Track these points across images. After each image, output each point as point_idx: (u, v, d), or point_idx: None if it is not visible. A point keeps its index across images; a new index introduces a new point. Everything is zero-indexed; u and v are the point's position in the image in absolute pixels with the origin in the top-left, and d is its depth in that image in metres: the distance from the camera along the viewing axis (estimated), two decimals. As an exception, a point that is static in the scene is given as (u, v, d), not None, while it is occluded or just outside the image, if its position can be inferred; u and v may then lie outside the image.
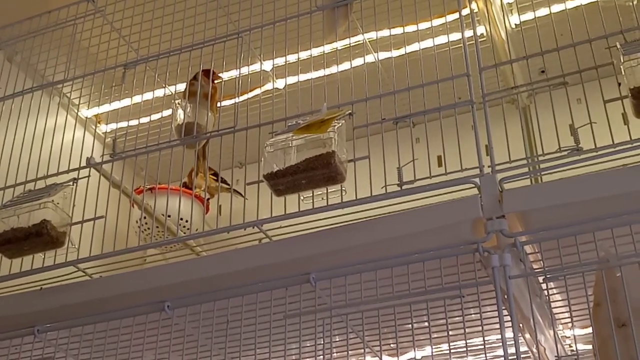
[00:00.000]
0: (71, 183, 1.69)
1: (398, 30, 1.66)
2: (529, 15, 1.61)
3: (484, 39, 1.99)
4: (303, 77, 1.68)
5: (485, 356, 1.34)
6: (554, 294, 1.46)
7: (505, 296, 1.26)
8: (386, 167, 1.44)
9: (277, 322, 1.39)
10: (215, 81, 1.87)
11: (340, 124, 1.46)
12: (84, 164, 1.70)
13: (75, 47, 1.91)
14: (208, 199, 2.36)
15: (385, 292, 1.33)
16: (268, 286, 1.43)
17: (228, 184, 2.03)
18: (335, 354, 1.48)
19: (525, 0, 1.69)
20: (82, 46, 1.94)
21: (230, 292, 1.45)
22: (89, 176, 1.69)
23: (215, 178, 2.24)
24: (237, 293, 1.45)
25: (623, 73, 1.36)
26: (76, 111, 2.21)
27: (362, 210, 1.44)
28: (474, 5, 1.68)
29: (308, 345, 1.43)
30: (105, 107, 2.21)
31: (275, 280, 1.43)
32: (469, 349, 1.30)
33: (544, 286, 1.36)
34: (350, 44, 1.68)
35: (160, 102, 1.93)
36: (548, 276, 1.29)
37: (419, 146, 1.45)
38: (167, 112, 1.92)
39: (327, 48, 1.69)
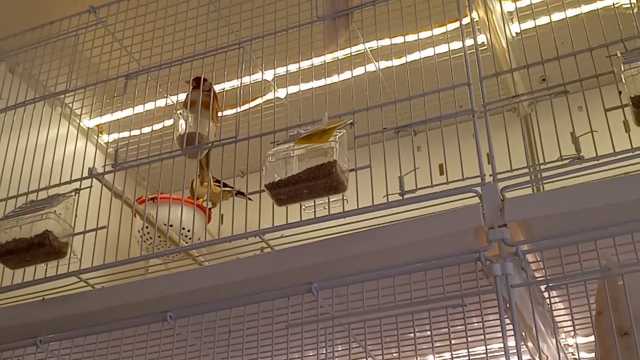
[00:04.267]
0: (73, 193, 1.70)
1: (399, 40, 1.66)
2: (529, 24, 1.61)
3: (485, 47, 1.99)
4: (304, 86, 1.69)
5: (488, 365, 1.34)
6: (556, 302, 1.45)
7: (508, 305, 1.26)
8: (387, 176, 1.44)
9: (280, 332, 1.38)
10: (205, 89, 1.88)
11: (341, 134, 1.46)
12: (86, 174, 1.71)
13: (77, 57, 1.92)
14: (210, 209, 2.36)
15: (388, 302, 1.33)
16: (270, 296, 1.43)
17: (230, 187, 2.03)
18: (337, 364, 1.48)
19: (525, 8, 1.69)
20: (84, 57, 1.94)
21: (232, 302, 1.45)
22: (91, 186, 1.70)
23: (218, 185, 2.25)
24: (239, 303, 1.45)
25: (624, 81, 1.36)
26: (78, 122, 2.22)
27: (363, 220, 1.44)
28: (474, 14, 1.69)
29: (310, 354, 1.43)
30: (107, 118, 2.22)
31: (277, 289, 1.43)
32: (471, 357, 1.29)
33: (546, 295, 1.36)
34: (351, 53, 1.69)
35: (162, 112, 1.94)
36: (550, 285, 1.28)
37: (420, 155, 1.45)
38: (168, 122, 1.93)
39: (328, 57, 1.70)
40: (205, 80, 1.88)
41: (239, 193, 1.69)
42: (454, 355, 1.31)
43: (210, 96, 1.87)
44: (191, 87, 1.87)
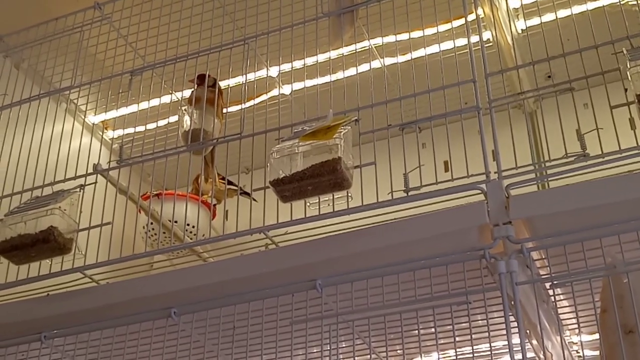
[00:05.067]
0: (78, 189, 1.70)
1: (404, 36, 1.66)
2: (535, 21, 1.61)
3: (490, 44, 1.98)
4: (309, 83, 1.68)
5: (492, 362, 1.34)
6: (561, 300, 1.45)
7: (512, 302, 1.26)
8: (392, 173, 1.44)
9: (284, 329, 1.38)
10: (210, 85, 1.87)
11: (346, 130, 1.46)
12: (90, 170, 1.71)
13: (82, 54, 1.92)
14: (215, 205, 2.36)
15: (392, 299, 1.33)
16: (274, 292, 1.43)
17: (235, 185, 2.03)
18: (341, 360, 1.48)
19: (531, 5, 1.69)
20: (89, 53, 1.95)
21: (236, 298, 1.45)
22: (95, 182, 1.69)
23: (223, 182, 2.25)
24: (243, 299, 1.45)
25: (630, 79, 1.36)
26: (83, 118, 2.22)
27: (368, 217, 1.44)
28: (480, 11, 1.68)
29: (315, 351, 1.43)
30: (112, 114, 2.22)
31: (281, 286, 1.43)
32: (475, 355, 1.29)
33: (550, 292, 1.36)
34: (356, 49, 1.68)
35: (167, 109, 1.94)
36: (555, 282, 1.28)
37: (425, 151, 1.45)
38: (173, 119, 1.93)
39: (333, 54, 1.69)
40: (209, 76, 1.88)
41: (244, 193, 1.69)
42: (458, 353, 1.31)
43: (215, 92, 1.87)
44: (195, 85, 1.87)
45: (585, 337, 1.55)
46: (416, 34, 1.65)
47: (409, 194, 1.42)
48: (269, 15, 1.75)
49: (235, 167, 1.68)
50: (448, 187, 1.39)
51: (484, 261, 1.30)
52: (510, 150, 1.41)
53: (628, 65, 1.37)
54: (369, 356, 1.46)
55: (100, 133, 2.38)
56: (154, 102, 1.88)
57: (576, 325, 1.37)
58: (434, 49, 1.59)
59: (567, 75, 1.42)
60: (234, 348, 1.43)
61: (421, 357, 1.34)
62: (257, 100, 1.84)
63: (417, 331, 1.31)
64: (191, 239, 2.20)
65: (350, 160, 1.45)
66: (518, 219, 1.31)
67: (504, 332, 1.23)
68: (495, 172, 1.37)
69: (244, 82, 1.71)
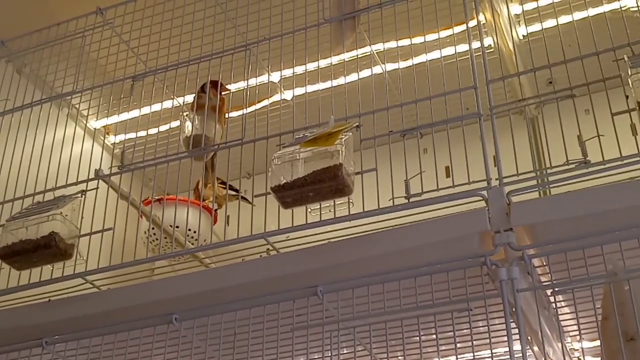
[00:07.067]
0: (80, 195, 1.70)
1: (405, 42, 1.66)
2: (536, 27, 1.61)
3: (492, 50, 1.99)
4: (311, 88, 1.69)
5: (493, 369, 1.34)
6: (562, 307, 1.45)
7: (513, 309, 1.26)
8: (393, 179, 1.44)
9: (285, 335, 1.39)
10: (223, 93, 1.88)
11: (347, 136, 1.46)
12: (92, 175, 1.71)
13: (84, 59, 1.92)
14: (216, 210, 2.36)
15: (393, 305, 1.33)
16: (275, 299, 1.43)
17: (236, 190, 2.03)
18: (342, 367, 1.48)
19: (532, 11, 1.69)
20: (91, 58, 1.95)
21: (237, 305, 1.45)
22: (97, 188, 1.69)
23: (224, 187, 2.25)
24: (244, 305, 1.45)
25: (631, 86, 1.36)
26: (85, 122, 2.22)
27: (369, 223, 1.44)
28: (481, 17, 1.68)
29: (316, 357, 1.43)
30: (114, 119, 2.22)
31: (282, 292, 1.43)
32: (476, 362, 1.29)
33: (552, 299, 1.36)
34: (357, 55, 1.68)
35: (169, 114, 1.94)
36: (556, 289, 1.28)
37: (426, 157, 1.45)
38: (175, 124, 1.93)
39: (335, 60, 1.69)
40: (222, 85, 1.88)
41: (243, 198, 1.69)
42: (459, 359, 1.31)
43: (217, 98, 1.88)
44: (220, 92, 1.87)
45: (587, 344, 1.55)
46: (417, 39, 1.65)
47: (410, 200, 1.42)
48: (270, 21, 1.75)
49: (237, 172, 1.68)
50: (449, 193, 1.39)
51: (485, 268, 1.30)
52: (511, 156, 1.41)
53: (629, 72, 1.37)
54: (370, 363, 1.46)
55: (102, 138, 2.38)
56: (156, 107, 1.88)
57: (577, 332, 1.37)
58: (435, 54, 1.59)
59: (568, 81, 1.42)
60: (235, 354, 1.43)
61: (422, 363, 1.34)
62: (259, 105, 1.84)
63: (418, 338, 1.31)
64: (193, 244, 2.20)
65: (351, 167, 1.45)
66: (519, 226, 1.31)
67: (505, 338, 1.23)
68: (496, 179, 1.37)
69: (246, 87, 1.71)
